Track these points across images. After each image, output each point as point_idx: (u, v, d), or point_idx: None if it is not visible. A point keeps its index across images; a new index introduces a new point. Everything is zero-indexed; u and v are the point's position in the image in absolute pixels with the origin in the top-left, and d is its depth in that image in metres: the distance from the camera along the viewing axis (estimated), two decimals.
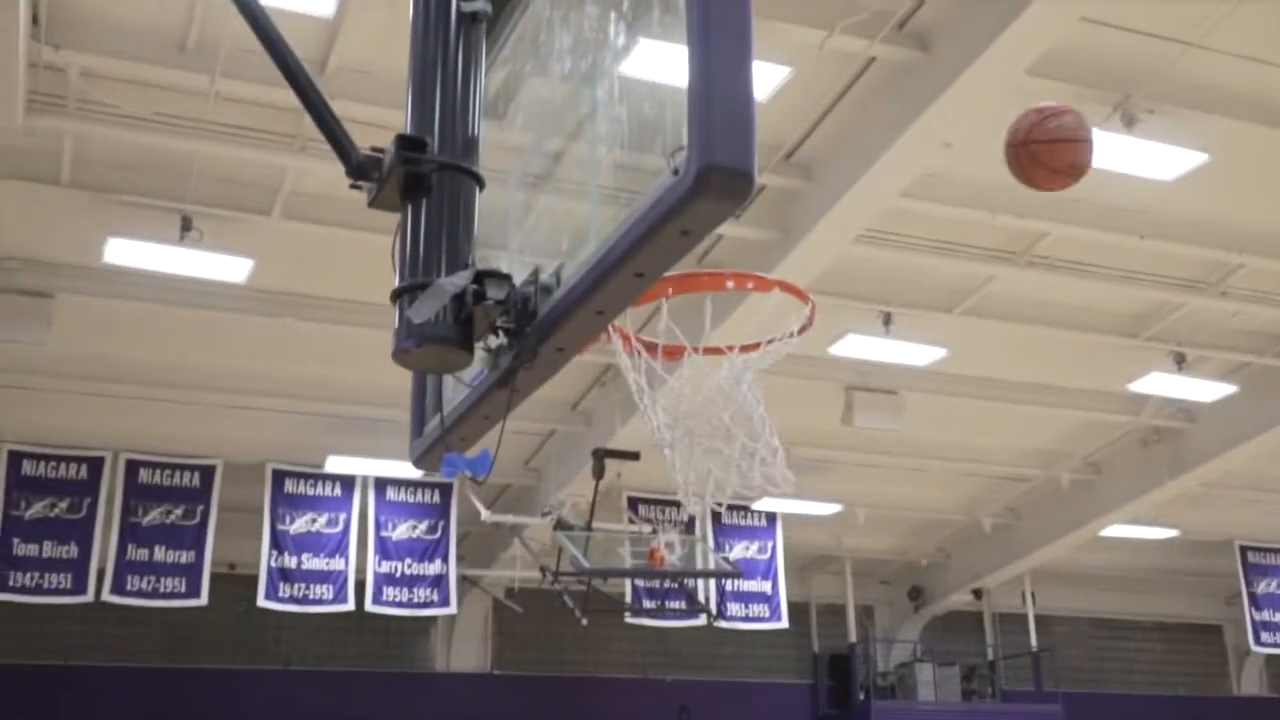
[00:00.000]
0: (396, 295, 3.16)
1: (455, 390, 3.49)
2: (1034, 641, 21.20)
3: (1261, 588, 20.73)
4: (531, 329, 2.96)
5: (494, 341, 3.11)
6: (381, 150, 3.33)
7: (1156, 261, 13.00)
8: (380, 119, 8.43)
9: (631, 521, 14.42)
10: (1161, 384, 15.23)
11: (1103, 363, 15.10)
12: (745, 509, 17.73)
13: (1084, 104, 10.06)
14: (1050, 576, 21.10)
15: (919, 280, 13.20)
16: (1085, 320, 14.11)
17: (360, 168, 3.36)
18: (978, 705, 20.74)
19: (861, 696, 20.46)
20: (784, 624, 18.39)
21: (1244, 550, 20.71)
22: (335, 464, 16.04)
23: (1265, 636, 20.68)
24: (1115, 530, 19.14)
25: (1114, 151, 10.36)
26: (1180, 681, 23.35)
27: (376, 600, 16.15)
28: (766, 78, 9.69)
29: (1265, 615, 20.69)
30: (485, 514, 15.45)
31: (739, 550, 17.88)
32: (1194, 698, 23.00)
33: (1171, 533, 20.11)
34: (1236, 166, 11.13)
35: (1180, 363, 14.74)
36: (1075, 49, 9.73)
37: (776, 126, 10.63)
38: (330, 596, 15.87)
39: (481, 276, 3.05)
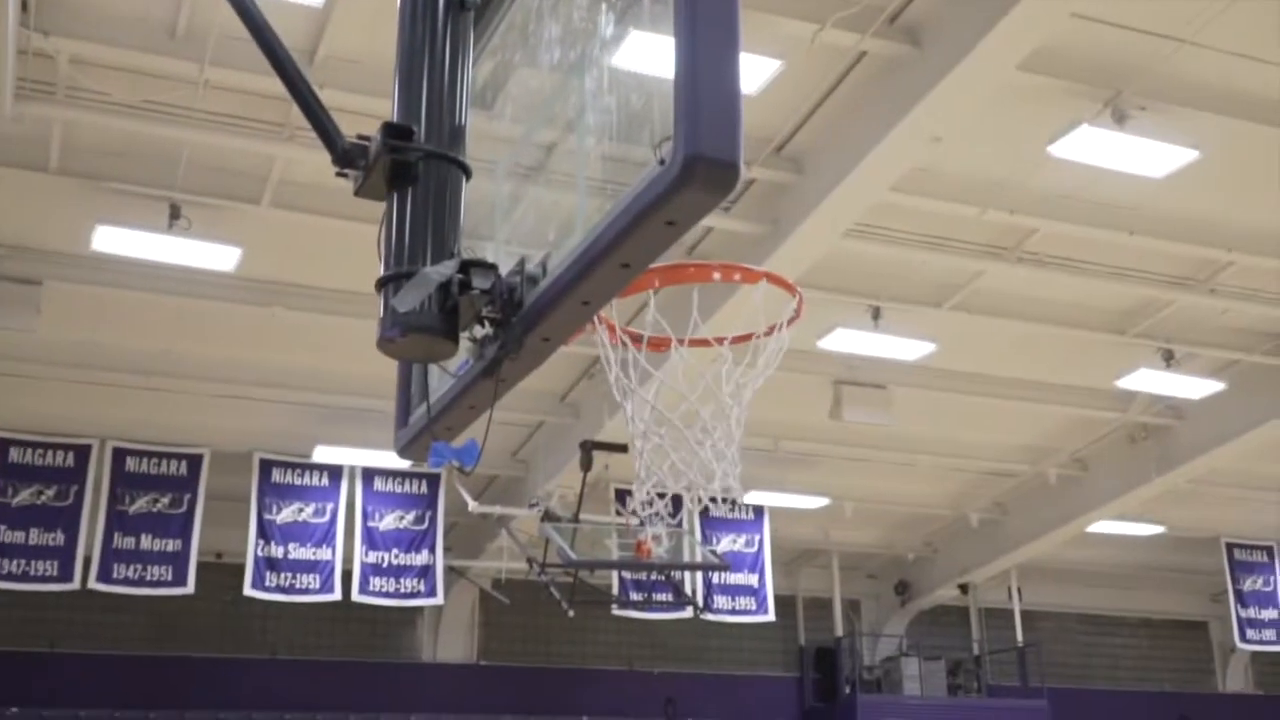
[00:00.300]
0: (381, 284, 3.15)
1: (441, 380, 3.48)
2: (1020, 637, 21.26)
3: (1247, 585, 20.81)
4: (517, 319, 2.96)
5: (479, 331, 3.10)
6: (368, 138, 3.31)
7: (1146, 258, 13.02)
8: (370, 108, 8.42)
9: (619, 514, 14.44)
10: (1149, 381, 15.27)
11: (1091, 359, 15.13)
12: (732, 502, 17.75)
13: (1075, 100, 10.12)
14: (1037, 572, 21.16)
15: (908, 275, 13.21)
16: (1074, 316, 14.14)
17: (346, 156, 3.34)
18: (963, 700, 20.81)
19: (847, 690, 20.51)
20: (770, 617, 18.42)
21: (1230, 547, 20.79)
22: (323, 454, 16.01)
23: (1251, 633, 20.76)
24: (1102, 526, 19.19)
25: (1104, 148, 10.38)
26: (1166, 677, 23.45)
27: (363, 590, 16.14)
28: (757, 71, 9.68)
29: (1251, 612, 20.78)
30: (473, 505, 15.45)
31: (726, 543, 17.90)
32: (1179, 694, 23.10)
33: (1158, 529, 20.17)
34: (1227, 164, 11.15)
35: (1169, 359, 14.78)
36: (1066, 45, 9.74)
37: (767, 119, 10.63)
38: (317, 586, 15.85)
39: (467, 266, 3.04)
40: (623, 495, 16.59)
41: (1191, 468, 16.88)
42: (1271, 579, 20.92)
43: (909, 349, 14.34)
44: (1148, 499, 17.95)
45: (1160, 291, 13.64)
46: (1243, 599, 20.75)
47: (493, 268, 3.04)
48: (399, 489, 16.50)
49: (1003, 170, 11.51)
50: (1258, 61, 10.00)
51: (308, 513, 16.04)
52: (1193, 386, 15.47)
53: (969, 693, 21.07)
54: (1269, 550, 20.99)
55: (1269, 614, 20.82)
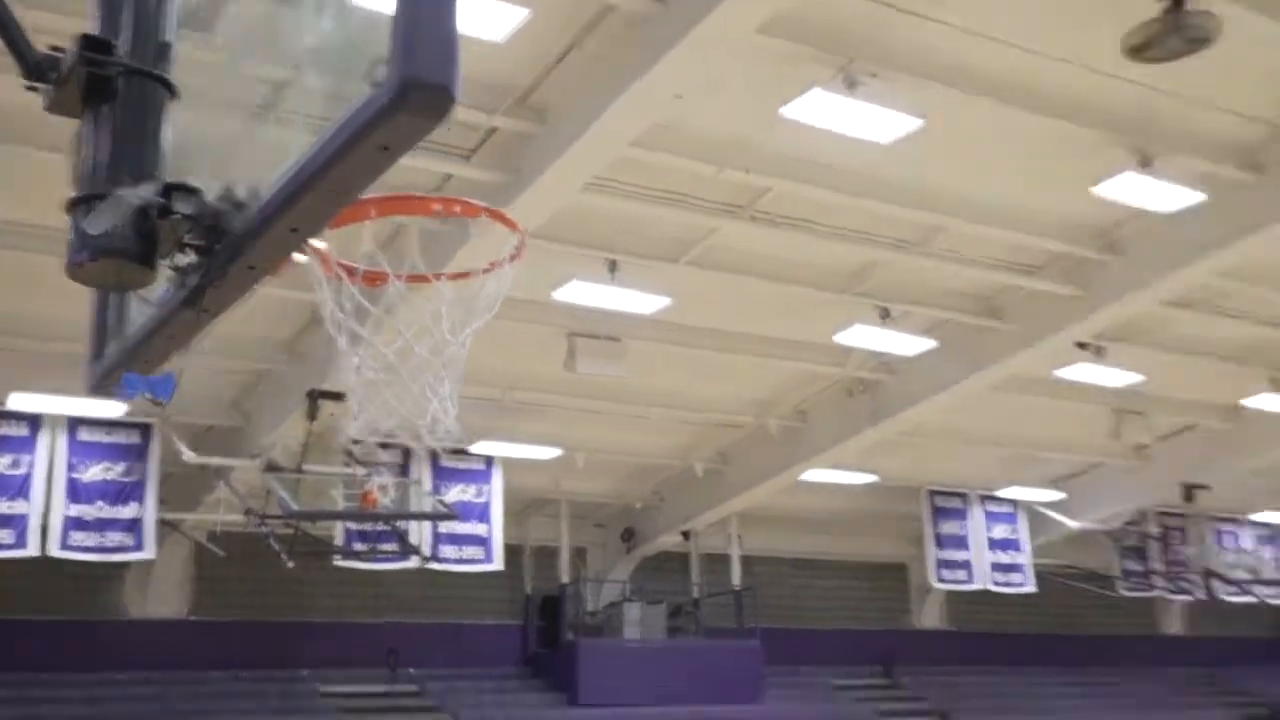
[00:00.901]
0: (72, 206, 2.89)
1: (140, 312, 3.24)
2: (737, 580, 22.12)
3: (945, 529, 22.41)
4: (222, 246, 2.77)
5: (182, 259, 2.88)
6: (62, 50, 3.03)
7: (870, 221, 13.57)
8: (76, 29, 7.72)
9: (346, 464, 14.05)
10: (866, 337, 16.00)
11: (815, 315, 15.72)
12: (463, 451, 17.57)
13: (809, 64, 10.37)
14: (755, 519, 22.02)
15: (645, 230, 13.34)
16: (802, 275, 14.64)
17: (38, 68, 3.06)
18: (681, 641, 21.51)
19: (570, 636, 20.83)
20: (498, 566, 18.46)
21: (932, 494, 22.31)
22: (18, 401, 14.89)
23: (945, 574, 22.44)
24: (819, 475, 20.10)
25: (835, 112, 10.69)
26: (870, 617, 24.96)
27: (64, 545, 15.21)
28: (503, 19, 9.49)
29: (947, 554, 22.42)
30: (188, 455, 14.74)
31: (456, 493, 17.76)
32: (881, 631, 24.63)
33: (872, 478, 21.30)
34: (949, 134, 11.68)
35: (884, 317, 15.50)
36: (803, 11, 9.94)
37: (511, 69, 10.46)
38: (12, 541, 14.83)
39: (169, 189, 2.82)
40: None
41: (900, 420, 17.86)
42: (964, 524, 22.59)
43: (645, 303, 14.51)
44: (861, 450, 18.90)
45: (881, 253, 14.27)
46: (940, 542, 22.32)
47: (196, 192, 2.83)
48: (106, 438, 15.53)
49: (741, 130, 11.72)
50: (985, 38, 10.46)
51: (3, 464, 14.93)
52: (906, 343, 16.31)
53: (687, 634, 21.79)
54: (964, 497, 22.62)
55: (962, 555, 22.50)
